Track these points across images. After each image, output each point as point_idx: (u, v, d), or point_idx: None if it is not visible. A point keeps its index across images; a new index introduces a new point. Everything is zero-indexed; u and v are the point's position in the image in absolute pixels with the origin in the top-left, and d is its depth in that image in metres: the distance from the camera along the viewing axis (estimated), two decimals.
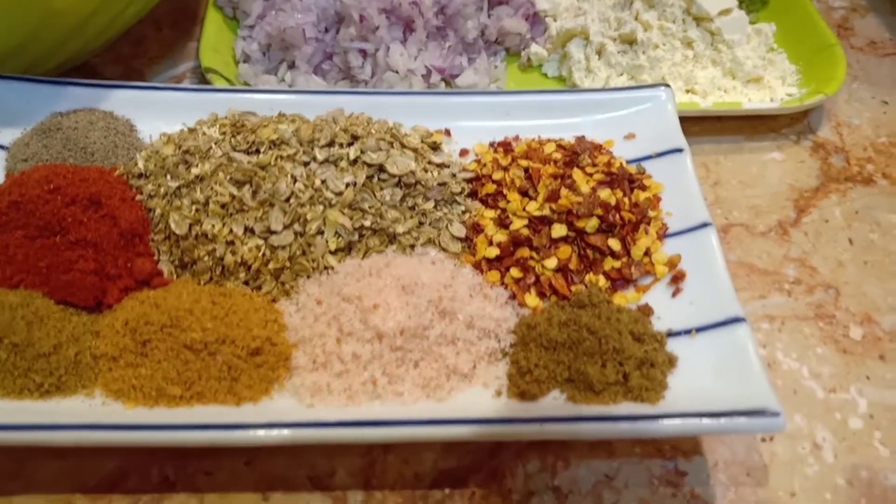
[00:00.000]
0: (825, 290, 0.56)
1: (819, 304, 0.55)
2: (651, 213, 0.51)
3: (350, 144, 0.49)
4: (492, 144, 0.56)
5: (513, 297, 0.47)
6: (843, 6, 0.81)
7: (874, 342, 0.53)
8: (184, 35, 0.72)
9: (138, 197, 0.50)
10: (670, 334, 0.45)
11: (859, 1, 0.82)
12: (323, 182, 0.48)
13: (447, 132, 0.56)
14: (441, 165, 0.52)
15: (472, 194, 0.52)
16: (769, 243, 0.59)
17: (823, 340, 0.53)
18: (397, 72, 0.61)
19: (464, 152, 0.56)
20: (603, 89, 0.58)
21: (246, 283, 0.47)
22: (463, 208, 0.51)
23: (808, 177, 0.64)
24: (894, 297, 0.56)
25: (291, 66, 0.63)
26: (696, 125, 0.64)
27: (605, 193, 0.49)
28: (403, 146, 0.50)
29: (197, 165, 0.49)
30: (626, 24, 0.65)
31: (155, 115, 0.56)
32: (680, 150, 0.54)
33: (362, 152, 0.49)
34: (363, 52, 0.61)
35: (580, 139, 0.55)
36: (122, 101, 0.56)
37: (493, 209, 0.51)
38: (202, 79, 0.63)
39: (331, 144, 0.49)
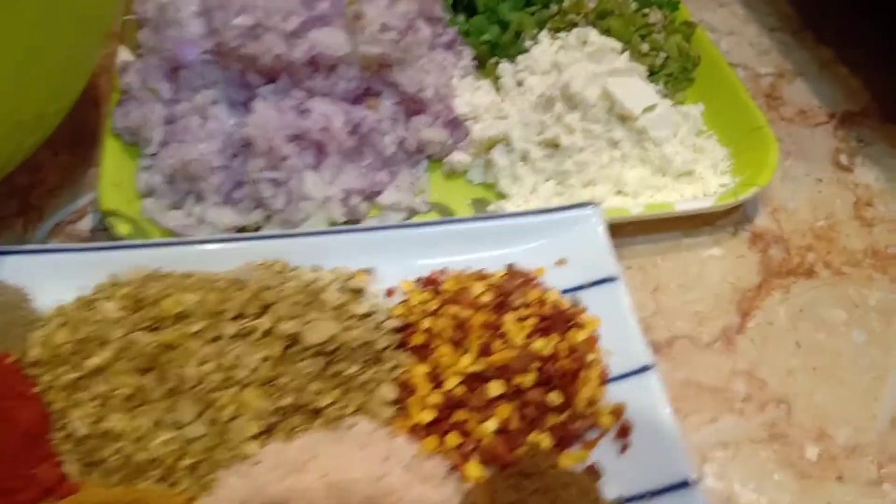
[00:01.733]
0: (776, 404, 0.54)
1: (772, 423, 0.53)
2: (590, 356, 0.47)
3: (262, 314, 0.45)
4: (419, 280, 0.53)
5: (455, 466, 0.44)
6: (770, 72, 0.80)
7: (830, 462, 0.51)
8: (83, 160, 0.67)
9: (36, 388, 0.45)
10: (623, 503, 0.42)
11: (786, 65, 0.81)
12: (235, 360, 0.44)
13: (369, 271, 0.52)
14: (366, 316, 0.48)
15: (403, 344, 0.49)
16: (715, 356, 0.56)
17: (780, 465, 0.51)
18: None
19: (390, 292, 0.52)
20: (530, 212, 0.55)
21: (161, 479, 0.43)
22: (393, 363, 0.47)
23: (750, 273, 0.61)
24: (845, 407, 0.54)
25: (200, 198, 0.59)
26: (632, 225, 0.61)
27: (540, 344, 0.46)
28: (323, 305, 0.46)
29: (96, 353, 0.44)
30: (548, 127, 0.62)
31: (52, 279, 0.50)
32: (613, 280, 0.51)
33: (276, 322, 0.45)
34: (275, 182, 0.57)
35: (510, 273, 0.52)
36: (13, 268, 0.51)
37: (425, 363, 0.47)
38: None
39: (240, 316, 0.45)
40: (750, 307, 0.59)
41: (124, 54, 0.67)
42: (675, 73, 0.73)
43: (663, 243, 0.63)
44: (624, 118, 0.62)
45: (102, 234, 0.60)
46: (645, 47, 0.72)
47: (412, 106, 0.63)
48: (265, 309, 0.46)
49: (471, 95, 0.68)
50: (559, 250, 0.54)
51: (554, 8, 0.73)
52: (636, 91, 0.63)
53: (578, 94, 0.62)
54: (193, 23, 0.61)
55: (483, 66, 0.74)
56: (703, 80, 0.73)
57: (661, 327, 0.57)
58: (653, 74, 0.73)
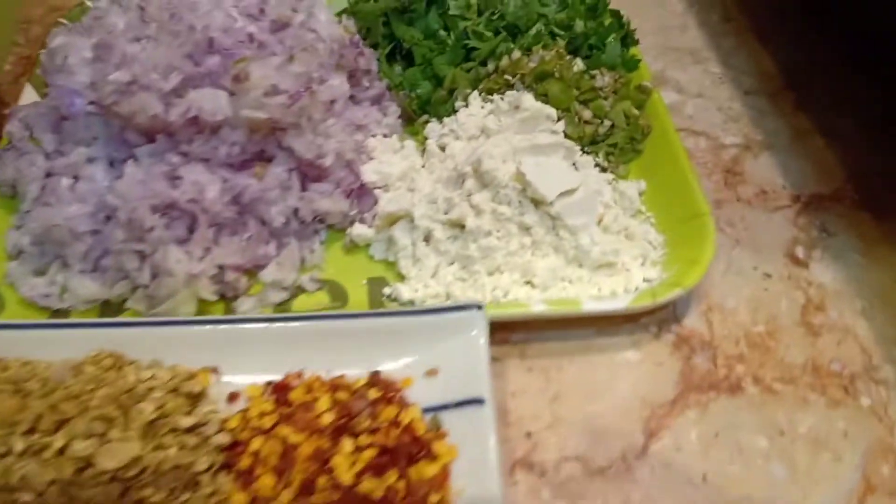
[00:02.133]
0: None
1: None
2: (434, 498, 0.42)
3: (57, 429, 0.41)
4: (269, 385, 0.47)
5: None
6: (735, 143, 0.73)
7: None
8: None
9: None
10: None
11: (755, 135, 0.74)
12: (20, 481, 0.39)
13: (215, 370, 0.47)
14: (192, 429, 0.43)
15: (229, 465, 0.44)
16: (607, 485, 0.50)
17: None
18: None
19: (233, 397, 0.47)
20: (403, 312, 0.49)
21: None
22: (210, 490, 0.42)
23: (666, 385, 0.55)
24: None
25: (66, 264, 0.54)
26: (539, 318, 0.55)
27: (370, 485, 0.41)
28: (135, 418, 0.42)
29: None
30: (455, 206, 0.56)
31: None
32: (481, 402, 0.45)
33: (69, 440, 0.40)
34: (140, 254, 0.52)
35: (371, 382, 0.47)
36: None
37: (246, 492, 0.42)
38: None
39: (33, 430, 0.40)
40: (658, 426, 0.53)
41: (29, 95, 0.63)
42: (621, 143, 0.66)
43: (574, 342, 0.57)
44: (537, 202, 0.56)
45: None
46: (587, 114, 0.66)
47: (310, 172, 0.58)
48: (62, 424, 0.41)
49: (389, 158, 0.62)
50: (432, 359, 0.48)
51: (491, 66, 0.67)
52: (554, 172, 0.56)
53: (490, 172, 0.56)
54: (82, 71, 0.57)
55: (412, 123, 0.68)
56: (652, 153, 0.67)
57: (552, 445, 0.51)
58: (595, 143, 0.66)
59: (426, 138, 0.66)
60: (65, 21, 0.69)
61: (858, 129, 0.75)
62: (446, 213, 0.57)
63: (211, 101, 0.52)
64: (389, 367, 0.48)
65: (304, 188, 0.58)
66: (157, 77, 0.52)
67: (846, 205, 0.68)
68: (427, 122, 0.67)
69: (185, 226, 0.53)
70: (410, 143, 0.66)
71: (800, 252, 0.64)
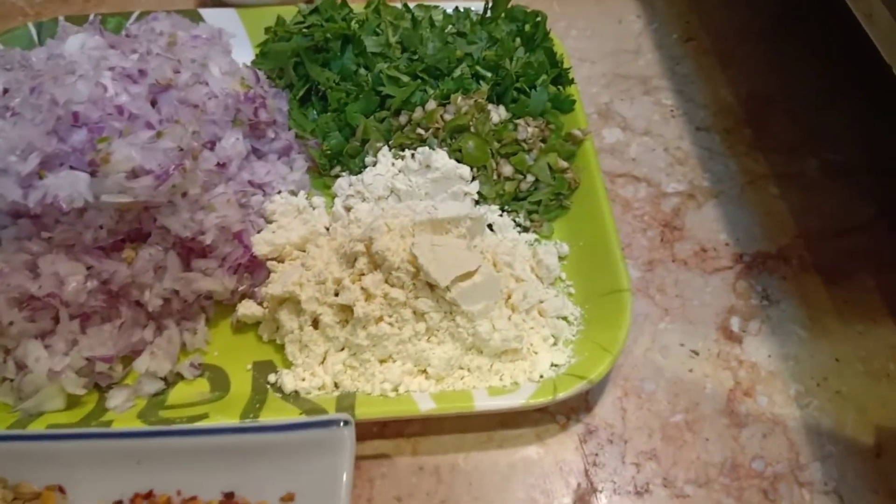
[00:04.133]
0: None
1: None
2: None
3: None
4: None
5: None
6: (678, 190, 0.67)
7: None
8: None
9: None
10: None
11: (701, 181, 0.68)
12: None
13: (61, 489, 0.44)
14: None
15: None
16: None
17: None
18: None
19: None
20: (262, 427, 0.46)
21: None
22: None
23: (565, 489, 0.51)
24: None
25: None
26: None
27: None
28: None
29: None
30: (345, 289, 0.52)
31: None
32: None
33: None
34: (3, 348, 0.49)
35: None
36: None
37: None
38: None
39: None
40: None
41: None
42: (545, 200, 0.61)
43: (473, 434, 0.53)
44: (433, 286, 0.52)
45: None
46: (508, 169, 0.61)
47: (191, 250, 0.53)
48: None
49: (289, 223, 0.58)
50: (291, 480, 0.44)
51: (404, 118, 0.61)
52: (450, 254, 0.52)
53: (382, 253, 0.52)
54: None
55: (322, 175, 0.64)
56: (579, 210, 0.61)
57: None
58: (518, 200, 0.61)
59: (334, 196, 0.61)
60: None
61: (819, 173, 0.69)
62: (336, 296, 0.53)
63: (69, 187, 0.48)
64: (244, 490, 0.44)
65: (187, 264, 0.54)
66: (16, 159, 0.48)
67: (794, 266, 0.63)
68: (338, 175, 0.63)
69: (49, 316, 0.50)
70: (319, 201, 0.61)
71: (735, 324, 0.59)
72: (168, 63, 0.55)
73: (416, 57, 0.64)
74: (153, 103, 0.55)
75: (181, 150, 0.51)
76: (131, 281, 0.51)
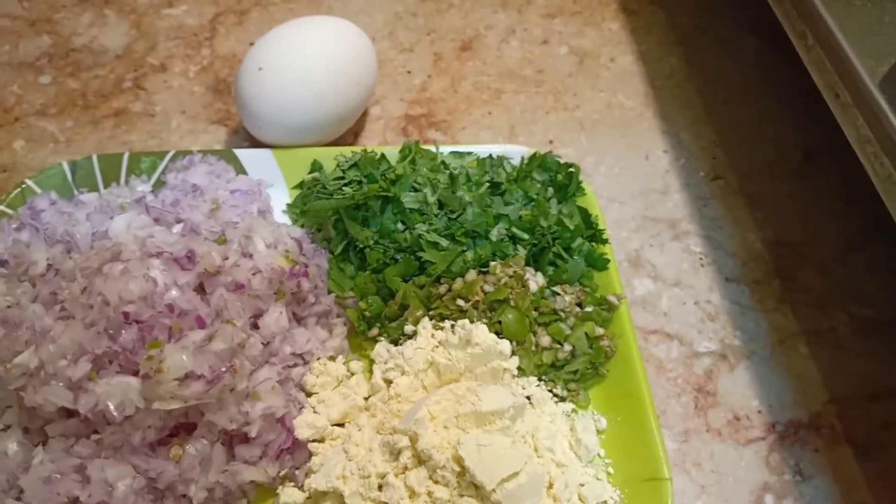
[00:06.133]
0: None
1: None
2: None
3: None
4: None
5: None
6: (711, 350, 0.68)
7: None
8: None
9: None
10: None
11: (732, 340, 0.68)
12: None
13: None
14: None
15: None
16: None
17: None
18: None
19: None
20: None
21: None
22: None
23: None
24: None
25: None
26: None
27: None
28: None
29: None
30: (389, 485, 0.52)
31: None
32: None
33: None
34: None
35: None
36: None
37: None
38: None
39: None
40: None
41: None
42: (581, 370, 0.61)
43: None
44: (478, 486, 0.52)
45: None
46: (546, 340, 0.61)
47: (236, 440, 0.54)
48: None
49: (329, 397, 0.58)
50: None
51: (443, 288, 0.62)
52: (496, 454, 0.52)
53: (427, 451, 0.52)
54: None
55: (361, 335, 0.64)
56: (614, 380, 0.62)
57: None
58: (554, 368, 0.62)
59: (373, 361, 0.62)
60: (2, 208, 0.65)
61: (850, 330, 0.69)
62: (378, 490, 0.53)
63: (120, 394, 0.48)
64: None
65: (230, 452, 0.54)
66: (66, 363, 0.48)
67: (825, 436, 0.63)
68: (376, 338, 0.63)
69: None
70: (357, 366, 0.61)
71: (769, 502, 0.60)
72: (216, 250, 0.55)
73: (454, 216, 0.64)
74: (200, 285, 0.55)
75: (231, 349, 0.51)
76: (177, 480, 0.51)
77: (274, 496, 0.56)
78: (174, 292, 0.52)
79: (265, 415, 0.54)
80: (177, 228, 0.58)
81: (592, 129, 0.82)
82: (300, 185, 0.71)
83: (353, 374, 0.61)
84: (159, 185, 0.70)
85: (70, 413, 0.51)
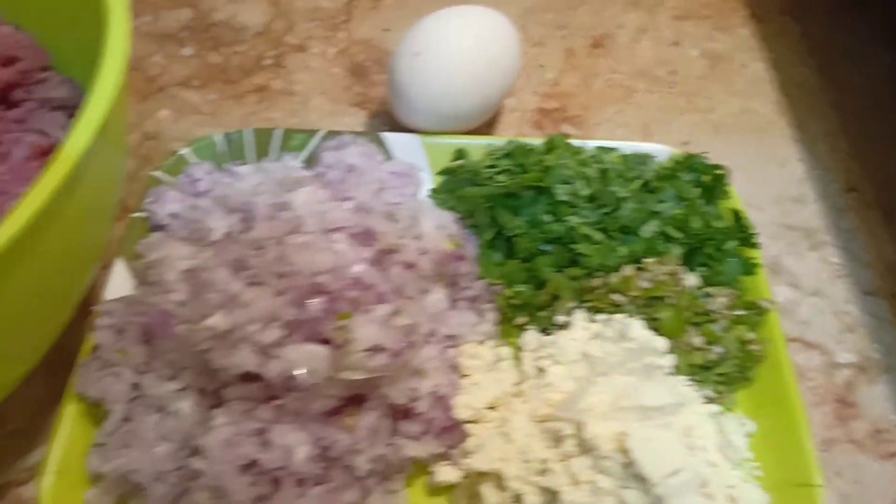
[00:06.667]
0: None
1: None
2: None
3: None
4: None
5: None
6: (851, 362, 0.68)
7: None
8: (55, 394, 0.60)
9: None
10: None
11: (871, 352, 0.68)
12: None
13: None
14: None
15: None
16: None
17: None
18: None
19: None
20: None
21: None
22: None
23: None
24: None
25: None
26: None
27: None
28: None
29: None
30: (551, 471, 0.53)
31: None
32: None
33: None
34: None
35: None
36: None
37: None
38: None
39: None
40: None
41: (119, 272, 0.61)
42: (730, 372, 0.62)
43: None
44: (640, 478, 0.53)
45: None
46: (698, 340, 0.61)
47: (400, 415, 0.55)
48: None
49: (482, 379, 0.59)
50: None
51: (598, 281, 0.62)
52: (663, 449, 0.53)
53: (592, 441, 0.53)
54: (179, 287, 0.55)
55: (508, 322, 0.65)
56: (762, 385, 0.62)
57: None
58: (705, 370, 0.62)
59: (520, 349, 0.63)
60: (160, 175, 0.67)
61: None
62: (540, 475, 0.54)
63: (308, 362, 0.50)
64: None
65: (393, 428, 0.55)
66: (257, 328, 0.50)
67: None
68: (524, 326, 0.64)
69: (267, 482, 0.51)
70: (505, 352, 0.62)
71: None
72: (392, 229, 0.56)
73: (607, 211, 0.65)
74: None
75: (412, 325, 0.52)
76: (349, 449, 0.53)
77: (425, 474, 0.58)
78: (360, 266, 0.53)
79: (432, 392, 0.55)
80: (348, 205, 0.59)
81: (727, 134, 0.82)
82: (445, 172, 0.72)
83: (501, 360, 0.62)
84: (309, 162, 0.71)
85: (249, 377, 0.52)
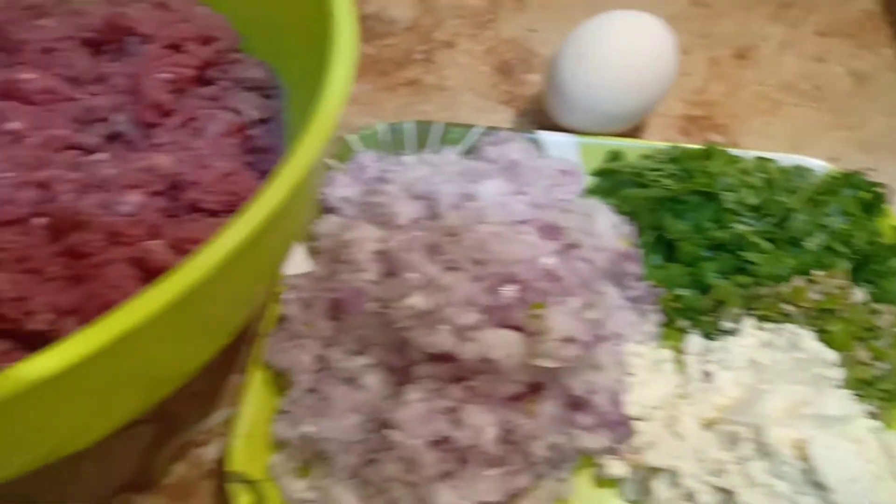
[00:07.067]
0: None
1: None
2: None
3: None
4: None
5: None
6: None
7: None
8: (230, 362, 0.63)
9: None
10: None
11: None
12: None
13: None
14: None
15: None
16: None
17: None
18: None
19: None
20: None
21: None
22: None
23: None
24: None
25: (329, 468, 0.55)
26: None
27: None
28: None
29: None
30: (726, 472, 0.54)
31: None
32: None
33: None
34: (405, 482, 0.53)
35: None
36: None
37: None
38: None
39: None
40: None
41: (297, 250, 0.63)
42: (894, 389, 0.62)
43: None
44: (819, 485, 0.53)
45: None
46: (864, 355, 0.61)
47: (575, 406, 0.56)
48: None
49: (647, 379, 0.60)
50: None
51: (767, 290, 0.63)
52: (842, 456, 0.53)
53: (771, 445, 0.53)
54: (371, 267, 0.57)
55: (669, 325, 0.65)
56: None
57: None
58: (868, 385, 0.62)
59: (682, 352, 0.63)
60: (331, 163, 0.70)
61: None
62: (714, 475, 0.54)
63: (504, 348, 0.51)
64: None
65: (567, 419, 0.56)
66: (455, 311, 0.52)
67: None
68: (685, 329, 0.64)
69: (455, 459, 0.53)
70: (665, 354, 0.63)
71: None
72: (575, 224, 0.57)
73: (774, 221, 0.65)
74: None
75: (600, 319, 0.54)
76: (529, 433, 0.54)
77: (589, 466, 0.59)
78: (550, 259, 0.54)
79: (607, 385, 0.56)
80: (524, 199, 0.60)
81: (875, 152, 0.82)
82: (601, 172, 0.73)
83: (662, 361, 0.63)
84: (466, 156, 0.73)
85: (438, 357, 0.54)
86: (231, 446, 0.55)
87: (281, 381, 0.59)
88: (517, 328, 0.53)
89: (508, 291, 0.53)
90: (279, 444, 0.57)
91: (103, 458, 0.57)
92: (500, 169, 0.64)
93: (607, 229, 0.61)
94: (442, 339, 0.52)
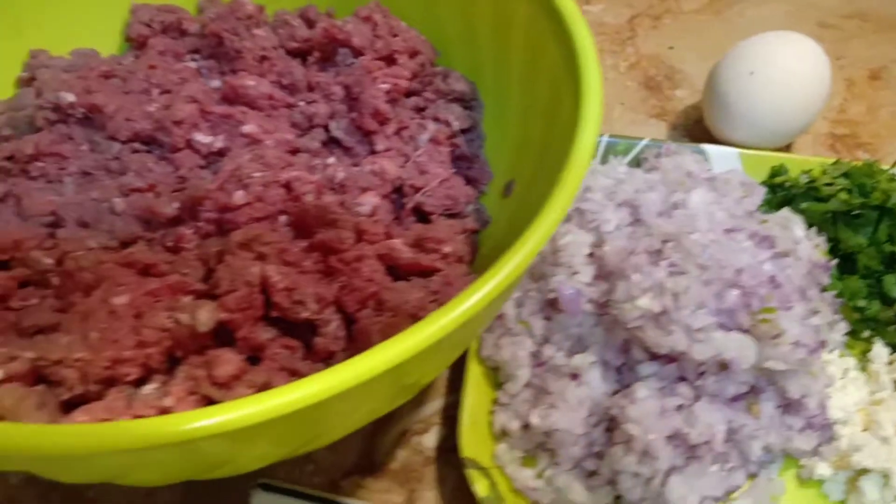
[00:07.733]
0: None
1: None
2: None
3: None
4: None
5: None
6: None
7: None
8: None
9: None
10: None
11: None
12: None
13: None
14: None
15: None
16: None
17: None
18: None
19: None
20: None
21: None
22: None
23: None
24: None
25: (554, 458, 0.58)
26: None
27: None
28: None
29: None
30: None
31: None
32: None
33: None
34: (635, 474, 0.55)
35: None
36: None
37: None
38: None
39: None
40: None
41: None
42: None
43: None
44: None
45: (447, 455, 0.61)
46: None
47: (788, 408, 0.59)
48: None
49: (842, 384, 0.63)
50: None
51: None
52: None
53: None
54: (585, 270, 0.59)
55: (855, 335, 0.68)
56: None
57: None
58: None
59: (869, 360, 0.65)
60: None
61: None
62: None
63: (736, 349, 0.54)
64: None
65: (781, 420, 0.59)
66: (688, 313, 0.54)
67: None
68: (869, 340, 0.67)
69: (682, 455, 0.55)
70: (851, 363, 0.65)
71: None
72: (783, 235, 0.60)
73: None
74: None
75: (820, 327, 0.56)
76: (752, 434, 0.56)
77: (792, 467, 0.61)
78: (770, 266, 0.57)
79: (818, 389, 0.58)
80: (722, 208, 0.63)
81: None
82: (766, 185, 0.76)
83: (849, 369, 0.65)
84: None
85: (658, 356, 0.56)
86: (461, 434, 0.57)
87: (494, 375, 0.62)
88: (743, 331, 0.55)
89: (732, 296, 0.55)
90: (500, 435, 0.59)
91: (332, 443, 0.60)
92: (702, 180, 0.67)
93: (805, 240, 0.63)
94: (676, 340, 0.54)
